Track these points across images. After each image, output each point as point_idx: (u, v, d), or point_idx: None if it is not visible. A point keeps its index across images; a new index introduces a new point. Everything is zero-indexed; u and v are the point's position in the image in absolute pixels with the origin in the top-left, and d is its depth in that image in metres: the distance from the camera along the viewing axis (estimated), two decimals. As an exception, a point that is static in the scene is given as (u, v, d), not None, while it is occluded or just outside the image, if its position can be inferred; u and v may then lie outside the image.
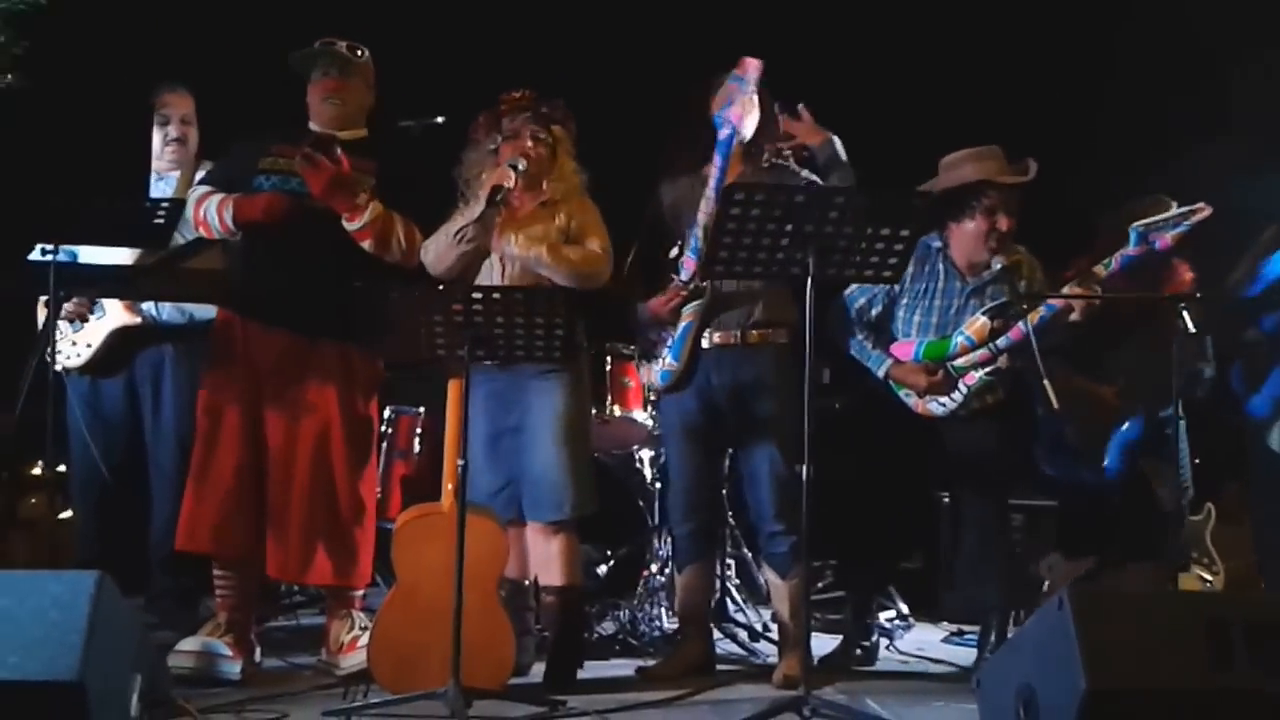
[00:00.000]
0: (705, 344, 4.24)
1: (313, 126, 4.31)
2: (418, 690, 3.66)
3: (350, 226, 4.12)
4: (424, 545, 3.88)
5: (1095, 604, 2.76)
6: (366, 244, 4.14)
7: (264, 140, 4.28)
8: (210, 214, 4.18)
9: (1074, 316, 4.20)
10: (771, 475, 4.21)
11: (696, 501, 4.39)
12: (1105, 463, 4.88)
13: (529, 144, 4.18)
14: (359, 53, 4.32)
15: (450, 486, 3.89)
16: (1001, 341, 4.25)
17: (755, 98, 4.07)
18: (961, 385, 4.33)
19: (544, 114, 4.24)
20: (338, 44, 4.29)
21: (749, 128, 4.15)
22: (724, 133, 4.06)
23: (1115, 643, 2.72)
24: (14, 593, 2.67)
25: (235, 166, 4.31)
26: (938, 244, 4.43)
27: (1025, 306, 4.19)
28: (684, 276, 4.23)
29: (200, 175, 4.61)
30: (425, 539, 3.89)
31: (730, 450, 4.56)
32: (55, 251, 3.56)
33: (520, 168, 4.06)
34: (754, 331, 4.23)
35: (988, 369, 4.29)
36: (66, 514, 4.97)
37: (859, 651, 4.55)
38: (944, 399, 4.35)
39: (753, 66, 3.96)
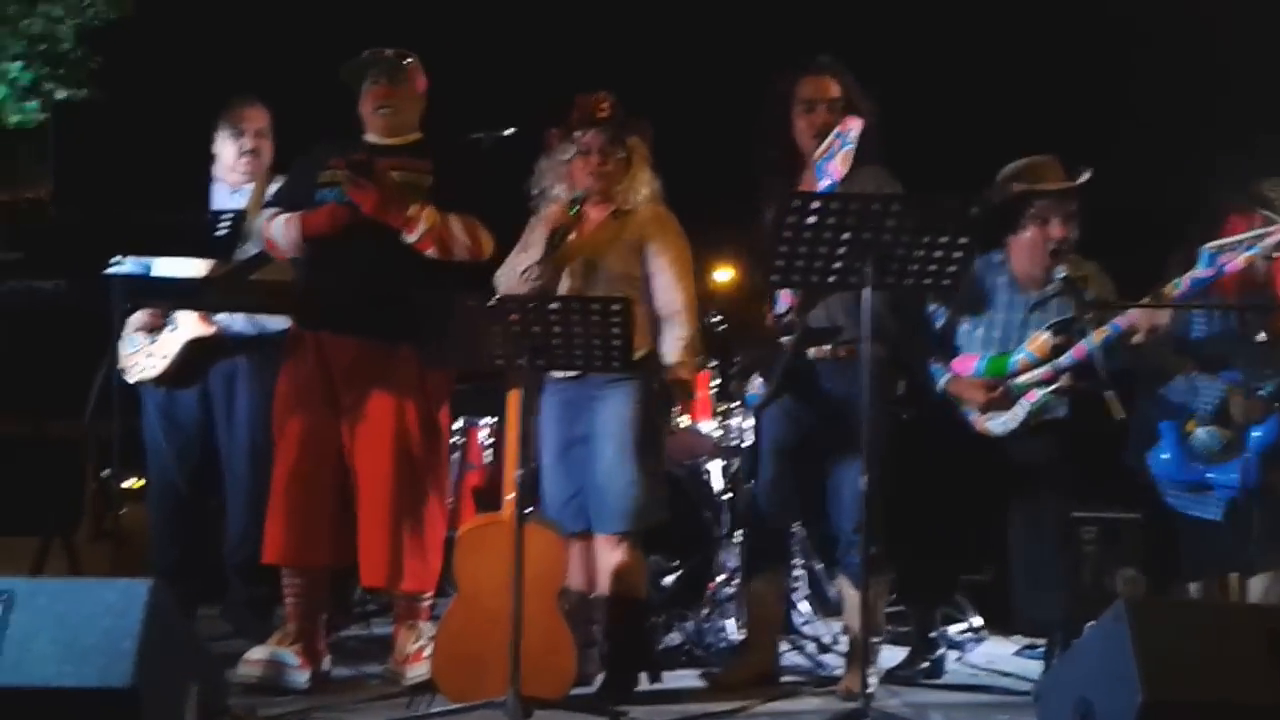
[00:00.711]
0: (806, 359, 4.25)
1: (368, 138, 4.35)
2: (480, 700, 3.67)
3: (409, 239, 4.15)
4: (484, 555, 3.90)
5: (1153, 615, 2.73)
6: (429, 252, 4.17)
7: (322, 155, 4.33)
8: (278, 233, 4.24)
9: (1138, 338, 4.11)
10: (856, 487, 4.17)
11: (775, 513, 4.41)
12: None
13: (598, 161, 4.17)
14: (406, 59, 4.35)
15: (510, 496, 3.90)
16: (1064, 359, 4.18)
17: (854, 151, 4.05)
18: (1023, 402, 4.26)
19: (618, 125, 4.21)
20: (387, 52, 4.32)
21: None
22: (823, 184, 4.06)
23: (1173, 654, 2.68)
24: (69, 600, 2.73)
25: (297, 183, 4.38)
26: (999, 258, 4.38)
27: (1089, 317, 4.11)
28: (779, 309, 4.26)
29: (270, 192, 4.70)
30: (486, 549, 3.90)
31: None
32: (120, 263, 3.63)
33: (579, 202, 4.08)
34: (844, 347, 4.20)
35: (1050, 387, 4.22)
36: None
37: (925, 664, 4.49)
38: (1004, 417, 4.28)
39: (855, 125, 3.98)
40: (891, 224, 3.46)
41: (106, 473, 3.63)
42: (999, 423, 4.28)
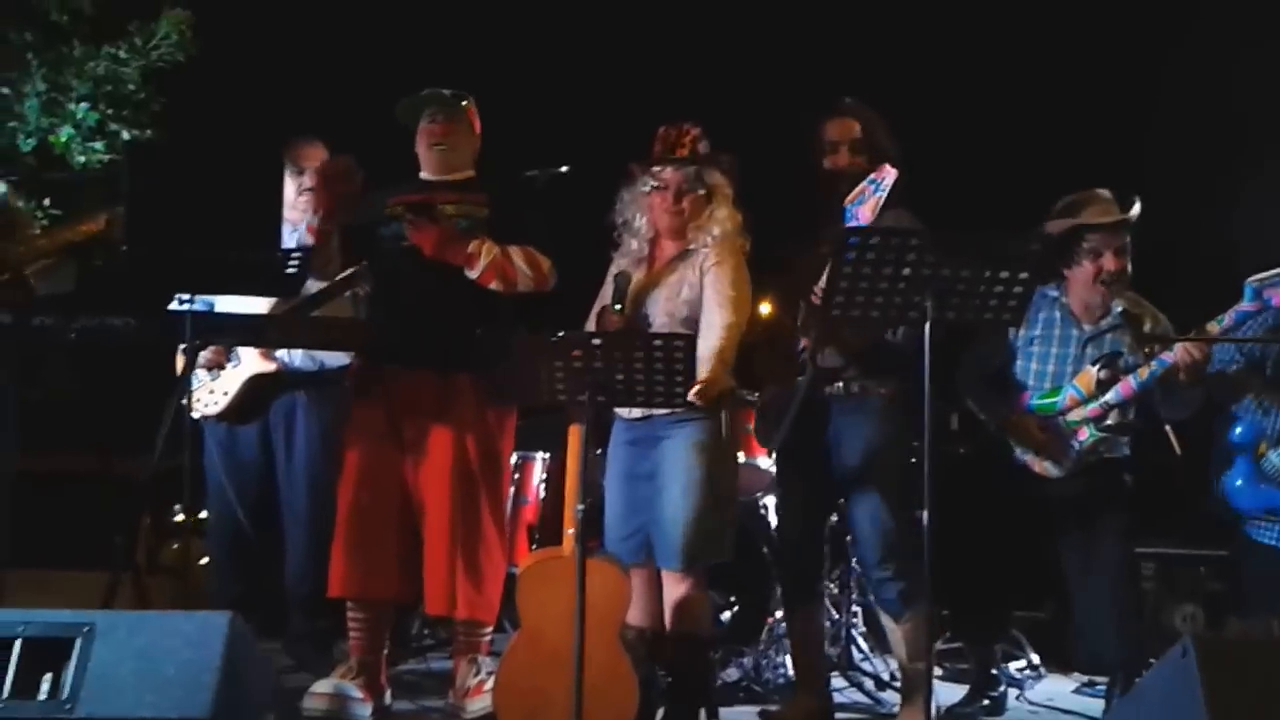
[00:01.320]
0: (821, 398, 4.25)
1: (423, 176, 4.41)
2: (542, 735, 3.70)
3: (471, 274, 4.21)
4: (546, 590, 3.93)
5: (1221, 652, 2.70)
6: (493, 285, 4.22)
7: (384, 194, 4.39)
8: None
9: (1181, 376, 4.09)
10: (874, 522, 4.20)
11: (796, 553, 4.43)
12: None
13: (674, 199, 4.17)
14: (463, 100, 4.41)
15: (570, 531, 3.93)
16: (1111, 396, 4.18)
17: (884, 199, 4.06)
18: (1074, 443, 4.26)
19: (698, 163, 4.19)
20: (443, 91, 4.38)
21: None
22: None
23: (1241, 692, 2.65)
24: (150, 633, 2.78)
25: (364, 216, 4.41)
26: (1054, 293, 4.40)
27: (1146, 350, 4.11)
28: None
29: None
30: (547, 584, 3.94)
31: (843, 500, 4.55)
32: (192, 301, 3.70)
33: (621, 307, 4.09)
34: (855, 385, 4.23)
35: (1099, 425, 4.22)
36: (204, 560, 5.11)
37: (986, 702, 4.48)
38: (1059, 458, 4.28)
39: (890, 175, 3.99)
40: (951, 259, 3.47)
41: (178, 509, 3.64)
42: (1054, 465, 4.29)
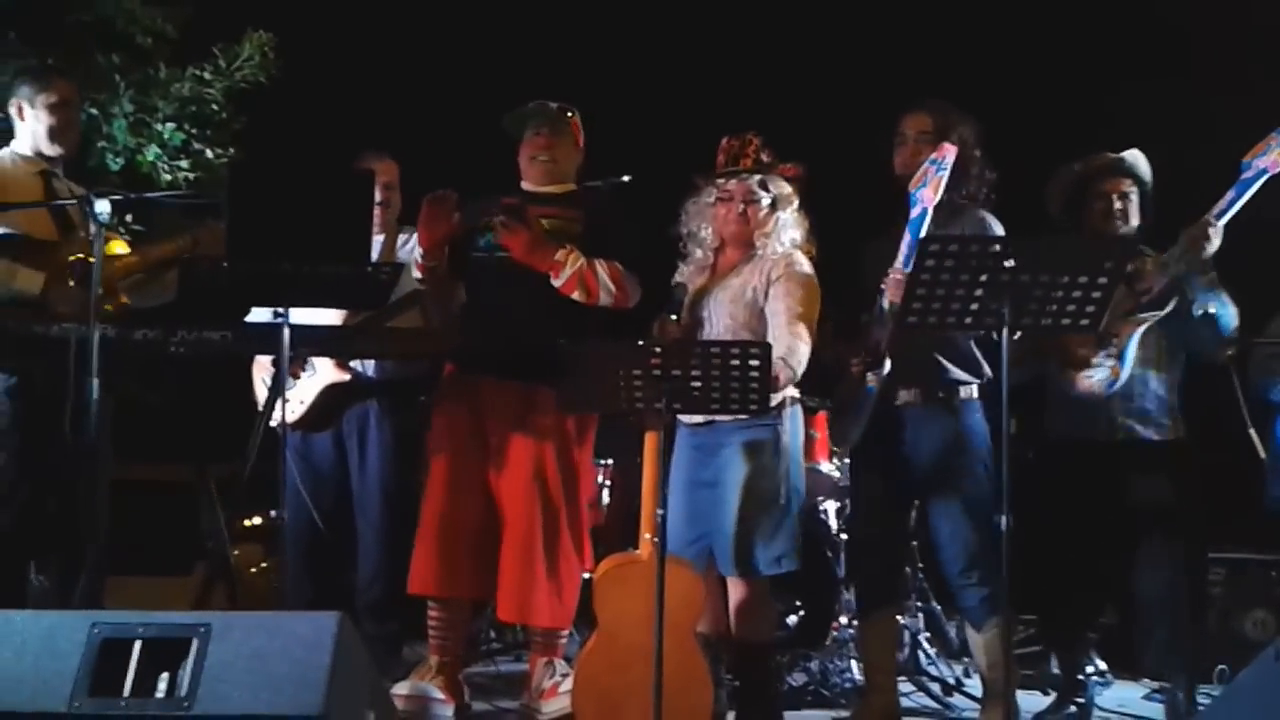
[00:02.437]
0: (897, 401, 4.27)
1: (524, 186, 4.50)
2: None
3: (555, 283, 4.29)
4: (623, 592, 3.99)
5: (1315, 653, 2.73)
6: (576, 295, 4.30)
7: (483, 203, 4.46)
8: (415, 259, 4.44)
9: (1214, 242, 4.06)
10: (955, 528, 4.22)
11: (874, 556, 4.45)
12: None
13: (738, 210, 4.23)
14: (569, 113, 4.50)
15: (649, 536, 3.99)
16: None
17: (946, 178, 4.06)
18: (1113, 344, 4.23)
19: (762, 172, 4.23)
20: (549, 104, 4.47)
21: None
22: (916, 210, 4.06)
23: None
24: (264, 633, 2.85)
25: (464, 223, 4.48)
26: None
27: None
28: (871, 342, 4.28)
29: (402, 239, 4.86)
30: (624, 586, 4.00)
31: (918, 504, 4.59)
32: (286, 314, 3.78)
33: (677, 317, 4.14)
34: (939, 390, 4.25)
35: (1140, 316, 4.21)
36: (262, 564, 5.18)
37: (1073, 708, 4.50)
38: (1099, 366, 4.24)
39: (950, 152, 4.04)
40: (1030, 265, 3.50)
41: (274, 514, 3.74)
42: (1100, 374, 4.25)
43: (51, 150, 4.36)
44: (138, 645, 2.85)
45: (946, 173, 3.98)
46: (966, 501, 4.19)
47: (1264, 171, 3.93)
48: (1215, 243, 4.05)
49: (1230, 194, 4.01)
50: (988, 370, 4.25)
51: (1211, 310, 4.16)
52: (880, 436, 4.28)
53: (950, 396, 4.24)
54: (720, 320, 4.23)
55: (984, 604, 4.18)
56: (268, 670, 2.80)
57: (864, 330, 4.25)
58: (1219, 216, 4.02)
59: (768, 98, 6.24)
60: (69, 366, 3.75)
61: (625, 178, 4.46)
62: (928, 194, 4.02)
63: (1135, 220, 4.40)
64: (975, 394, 4.27)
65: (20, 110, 4.37)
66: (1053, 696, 4.60)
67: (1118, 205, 4.38)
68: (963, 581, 4.23)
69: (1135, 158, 4.43)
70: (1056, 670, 5.01)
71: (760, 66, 6.66)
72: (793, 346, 4.09)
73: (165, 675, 2.83)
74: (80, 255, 4.09)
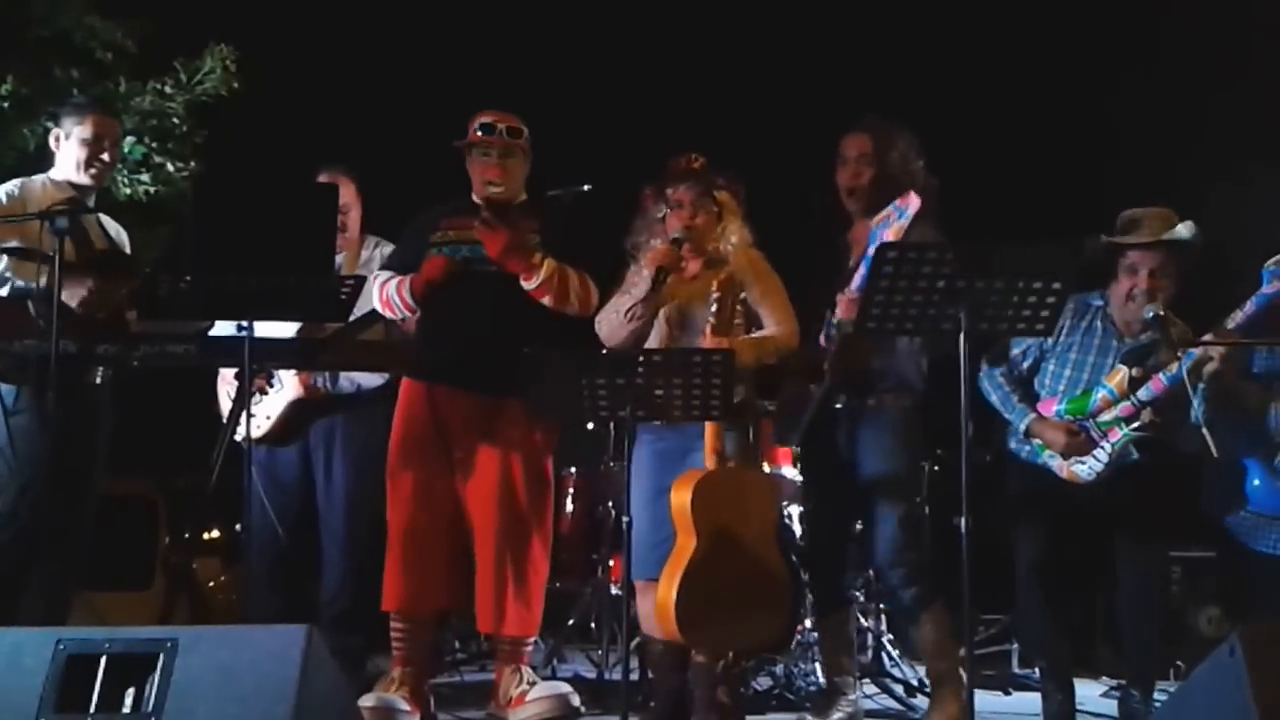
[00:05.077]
0: (836, 405, 4.38)
1: (475, 198, 4.48)
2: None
3: (528, 285, 4.30)
4: (715, 501, 4.10)
5: (1268, 648, 2.77)
6: (545, 300, 4.32)
7: (433, 217, 4.49)
8: (392, 295, 4.40)
9: (1213, 366, 4.13)
10: (887, 528, 4.31)
11: (822, 560, 4.56)
12: None
13: (689, 215, 4.33)
14: (520, 134, 4.48)
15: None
16: (1143, 393, 4.20)
17: (907, 226, 4.11)
18: (1104, 444, 4.27)
19: (708, 180, 4.40)
20: (498, 127, 4.45)
21: None
22: (873, 249, 4.08)
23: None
24: (230, 647, 2.86)
25: (409, 246, 4.54)
26: (1099, 302, 4.42)
27: (1178, 354, 4.14)
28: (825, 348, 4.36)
29: (364, 256, 4.87)
30: (714, 495, 4.11)
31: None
32: (250, 328, 3.78)
33: (681, 242, 4.25)
34: (871, 397, 4.34)
35: (1133, 425, 4.23)
36: (220, 578, 5.18)
37: None
38: (1088, 460, 4.29)
39: (914, 202, 4.09)
40: (985, 271, 3.55)
41: (239, 528, 3.74)
42: (1085, 467, 4.30)
43: (81, 179, 4.45)
44: (104, 661, 2.85)
45: (908, 220, 4.06)
46: (896, 502, 4.30)
47: None
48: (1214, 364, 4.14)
49: (1250, 308, 4.07)
50: (921, 386, 4.36)
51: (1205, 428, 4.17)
52: (824, 443, 4.40)
53: (882, 403, 4.34)
54: (698, 329, 4.29)
55: (915, 600, 4.29)
56: (235, 685, 2.80)
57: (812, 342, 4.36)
58: (1237, 329, 4.07)
59: (711, 118, 6.33)
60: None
61: (585, 187, 4.48)
62: (888, 235, 4.09)
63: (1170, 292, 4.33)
64: (909, 403, 4.36)
65: (59, 140, 4.50)
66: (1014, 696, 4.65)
67: (1159, 289, 4.28)
68: (892, 581, 4.35)
69: (1180, 233, 4.31)
70: (1017, 670, 5.11)
71: (705, 86, 6.74)
72: (779, 330, 4.32)
73: (132, 691, 2.83)
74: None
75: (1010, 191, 6.61)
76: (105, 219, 4.57)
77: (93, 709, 2.83)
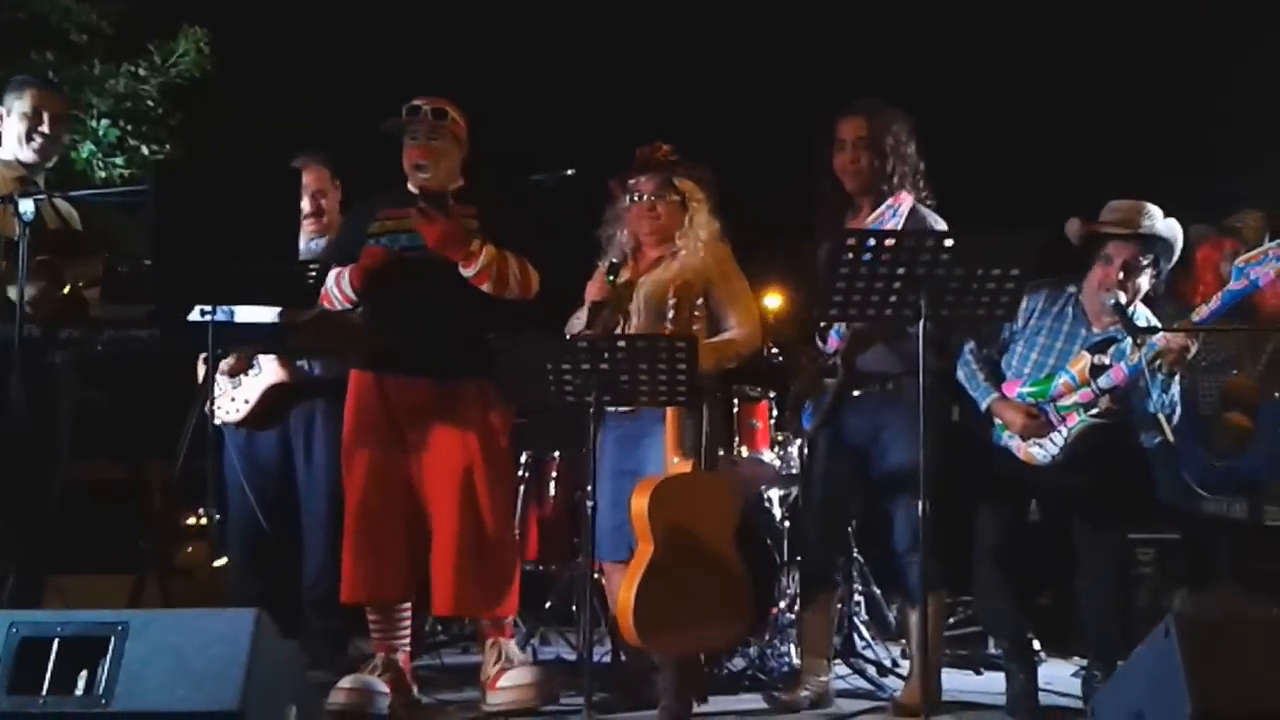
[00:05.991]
0: (854, 393, 4.41)
1: (410, 188, 4.45)
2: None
3: (467, 273, 4.30)
4: (671, 509, 4.13)
5: (1202, 631, 2.81)
6: (485, 286, 4.32)
7: (370, 207, 4.49)
8: (331, 287, 4.37)
9: (1170, 358, 4.10)
10: (909, 511, 4.25)
11: (823, 541, 4.58)
12: None
13: (650, 203, 4.38)
14: (445, 115, 4.41)
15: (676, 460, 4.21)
16: (1103, 381, 4.20)
17: (902, 225, 4.18)
18: (1061, 429, 4.28)
19: (671, 170, 4.42)
20: (423, 109, 4.39)
21: None
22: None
23: (1222, 669, 2.76)
24: (181, 630, 2.91)
25: (346, 239, 4.53)
26: (1073, 289, 4.42)
27: (1138, 342, 4.16)
28: (829, 349, 4.41)
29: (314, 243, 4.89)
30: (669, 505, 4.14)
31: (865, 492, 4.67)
32: (214, 312, 3.82)
33: (616, 276, 4.29)
34: (890, 382, 4.37)
35: (1091, 411, 4.24)
36: (220, 561, 5.23)
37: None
38: (1044, 443, 4.30)
39: (906, 201, 4.16)
40: (944, 258, 3.59)
41: (201, 513, 3.78)
42: (1041, 450, 4.31)
43: (25, 155, 4.40)
44: (56, 644, 2.89)
45: (901, 219, 4.13)
46: (913, 487, 4.27)
47: (1255, 282, 3.98)
48: (1192, 351, 4.13)
49: (1216, 304, 4.04)
50: (938, 363, 4.32)
51: (1163, 415, 4.20)
52: (838, 426, 4.43)
53: (900, 389, 4.33)
54: (642, 316, 4.35)
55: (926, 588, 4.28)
56: (185, 666, 2.85)
57: (823, 334, 4.41)
58: (1202, 323, 4.07)
59: (681, 106, 6.34)
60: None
61: (569, 171, 4.49)
62: None
63: (1144, 290, 4.33)
64: (929, 381, 4.33)
65: (2, 118, 4.43)
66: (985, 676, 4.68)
67: (1130, 282, 4.28)
68: (909, 560, 4.34)
69: (1150, 226, 4.30)
70: (991, 650, 5.13)
71: (676, 75, 6.75)
72: (739, 333, 4.38)
73: (84, 673, 2.88)
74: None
75: (1008, 177, 6.62)
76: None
77: (45, 691, 2.87)
